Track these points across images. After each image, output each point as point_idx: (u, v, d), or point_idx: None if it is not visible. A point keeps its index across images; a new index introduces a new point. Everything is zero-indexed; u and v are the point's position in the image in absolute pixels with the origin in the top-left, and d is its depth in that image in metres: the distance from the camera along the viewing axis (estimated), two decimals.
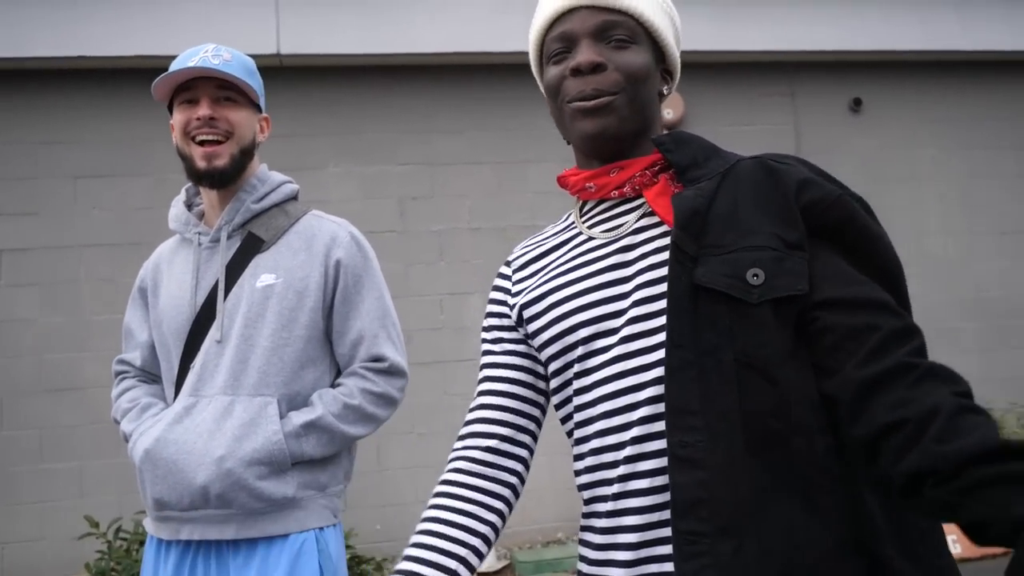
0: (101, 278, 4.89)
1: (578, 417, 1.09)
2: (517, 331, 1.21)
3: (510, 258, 1.28)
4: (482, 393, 1.22)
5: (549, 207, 5.51)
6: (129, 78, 4.95)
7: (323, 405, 1.75)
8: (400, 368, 1.84)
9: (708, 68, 5.84)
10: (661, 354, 0.99)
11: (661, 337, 1.00)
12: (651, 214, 1.09)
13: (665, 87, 1.17)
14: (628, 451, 1.00)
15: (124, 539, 4.01)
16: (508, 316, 1.22)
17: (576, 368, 1.09)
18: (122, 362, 1.98)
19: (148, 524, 1.79)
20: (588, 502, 1.09)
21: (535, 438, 1.21)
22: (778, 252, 0.98)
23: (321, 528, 1.75)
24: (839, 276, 0.98)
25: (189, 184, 1.96)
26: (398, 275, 5.18)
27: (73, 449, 4.73)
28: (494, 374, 1.22)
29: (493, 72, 5.48)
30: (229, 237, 1.83)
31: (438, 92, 5.41)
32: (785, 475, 0.93)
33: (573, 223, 1.20)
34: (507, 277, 1.25)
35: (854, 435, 0.90)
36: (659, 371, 0.99)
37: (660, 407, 0.98)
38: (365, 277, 1.85)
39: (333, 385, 1.84)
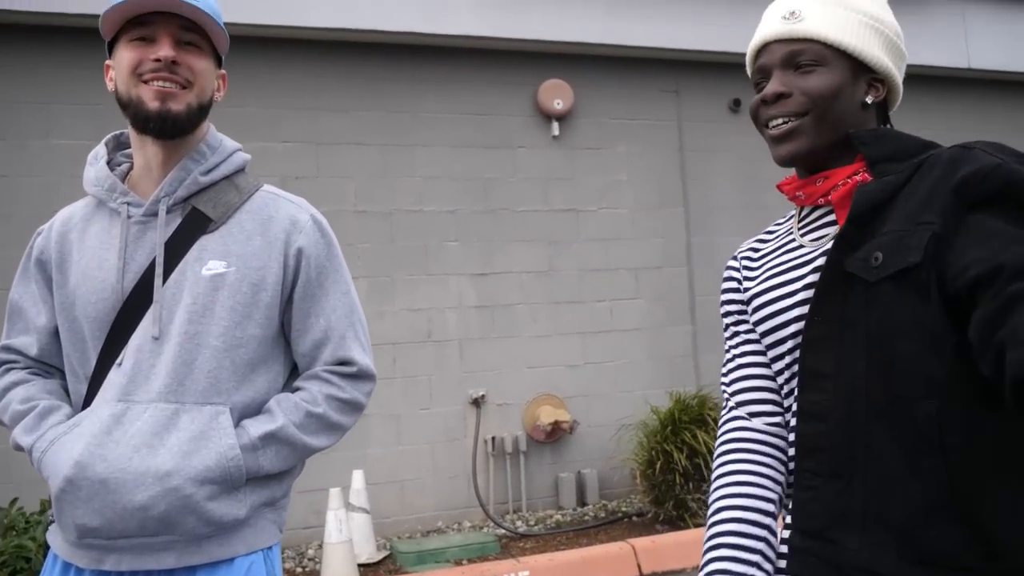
0: None
1: (787, 391, 1.31)
2: (747, 316, 1.42)
3: (737, 253, 1.49)
4: (738, 367, 1.44)
5: (437, 192, 5.67)
6: None
7: (284, 413, 1.60)
8: (369, 372, 1.70)
9: (598, 60, 6.15)
10: None
11: None
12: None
13: (870, 95, 1.29)
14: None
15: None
16: (743, 306, 1.43)
17: (788, 360, 1.28)
18: (8, 349, 1.70)
19: (56, 542, 1.59)
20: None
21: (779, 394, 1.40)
22: (903, 232, 1.12)
23: (269, 547, 1.63)
24: (982, 237, 1.05)
25: (109, 137, 1.74)
26: None
27: None
28: (742, 351, 1.44)
29: (383, 52, 5.59)
30: (169, 212, 1.62)
31: (325, 68, 5.48)
32: (893, 436, 1.10)
33: (791, 229, 1.39)
34: (735, 268, 1.47)
35: (986, 373, 1.01)
36: None
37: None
38: (330, 268, 1.68)
39: (292, 389, 1.68)
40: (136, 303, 1.57)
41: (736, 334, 1.45)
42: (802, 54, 1.25)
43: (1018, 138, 7.62)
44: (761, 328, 1.33)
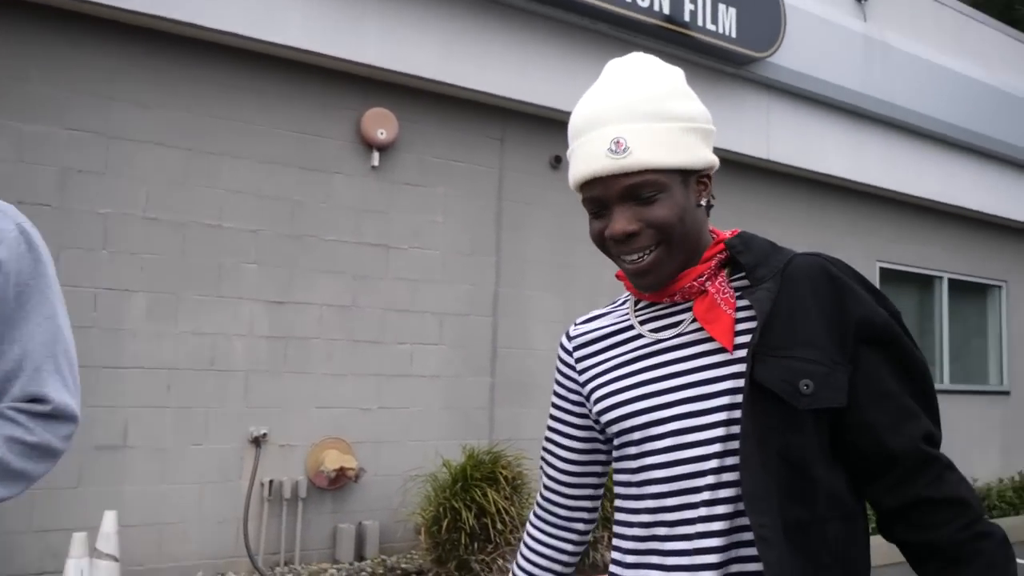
0: None
1: (634, 488, 1.33)
2: (584, 405, 1.46)
3: (572, 332, 1.50)
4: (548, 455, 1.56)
5: (239, 208, 5.25)
6: None
7: None
8: (68, 411, 1.50)
9: (427, 96, 6.00)
10: (716, 447, 1.23)
11: (713, 433, 1.24)
12: (696, 323, 1.31)
13: (703, 196, 1.32)
14: (698, 527, 1.24)
15: None
16: (578, 392, 1.47)
17: (633, 450, 1.32)
18: None
19: None
20: (638, 539, 1.33)
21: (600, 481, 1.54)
22: (827, 368, 1.20)
23: None
24: (882, 400, 1.23)
25: None
26: None
27: None
28: (556, 441, 1.54)
29: (199, 49, 5.13)
30: None
31: (126, 55, 4.93)
32: (805, 555, 1.18)
33: (627, 316, 1.41)
34: (568, 352, 1.49)
35: (885, 532, 1.26)
36: (715, 461, 1.23)
37: (721, 492, 1.23)
38: (34, 287, 1.48)
39: None
40: None
41: (559, 419, 1.52)
42: (641, 187, 1.25)
43: (798, 227, 8.25)
44: (607, 419, 1.36)
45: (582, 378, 1.44)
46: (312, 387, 5.49)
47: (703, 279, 1.30)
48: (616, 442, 1.37)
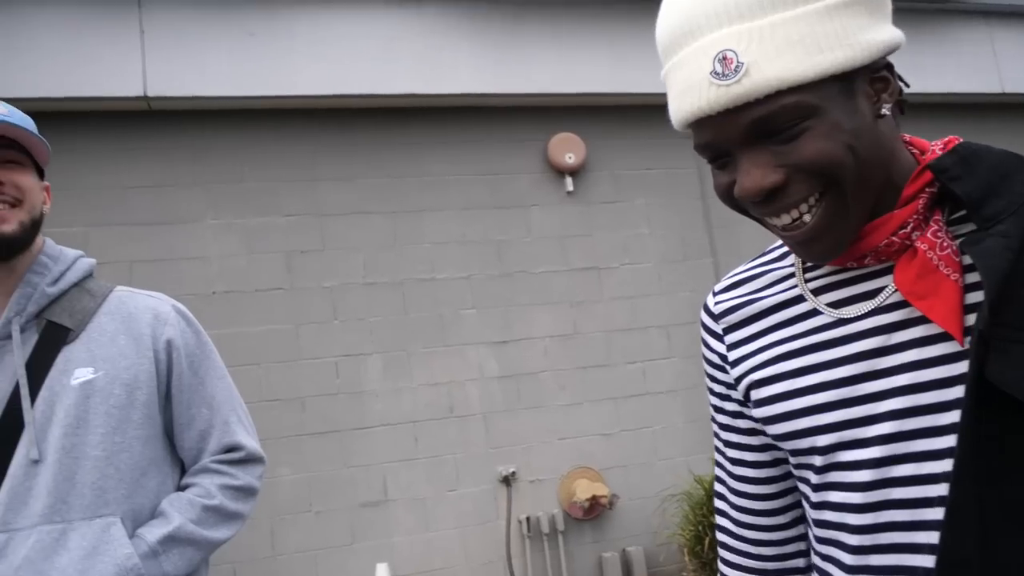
0: None
1: (815, 528, 0.98)
2: (745, 409, 1.07)
3: (715, 310, 1.11)
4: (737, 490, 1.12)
5: (449, 258, 5.44)
6: None
7: (179, 513, 1.59)
8: (257, 454, 1.75)
9: (608, 110, 5.97)
10: (944, 487, 0.82)
11: (941, 466, 0.83)
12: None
13: (882, 103, 0.87)
14: None
15: None
16: (733, 389, 1.08)
17: (815, 480, 0.95)
18: None
19: None
20: None
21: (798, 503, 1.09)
22: None
23: None
24: None
25: None
26: (287, 336, 4.98)
27: None
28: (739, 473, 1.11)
29: (381, 116, 5.44)
30: (23, 331, 1.59)
31: (322, 137, 5.32)
32: None
33: (794, 282, 1.00)
34: (717, 336, 1.09)
35: None
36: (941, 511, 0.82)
37: None
38: (201, 356, 1.73)
39: (182, 487, 1.69)
40: (6, 432, 1.53)
41: (727, 428, 1.11)
42: (773, 119, 0.83)
43: None
44: (774, 432, 0.99)
45: (731, 358, 1.05)
46: (550, 419, 5.52)
47: (907, 229, 0.87)
48: (792, 461, 1.01)
